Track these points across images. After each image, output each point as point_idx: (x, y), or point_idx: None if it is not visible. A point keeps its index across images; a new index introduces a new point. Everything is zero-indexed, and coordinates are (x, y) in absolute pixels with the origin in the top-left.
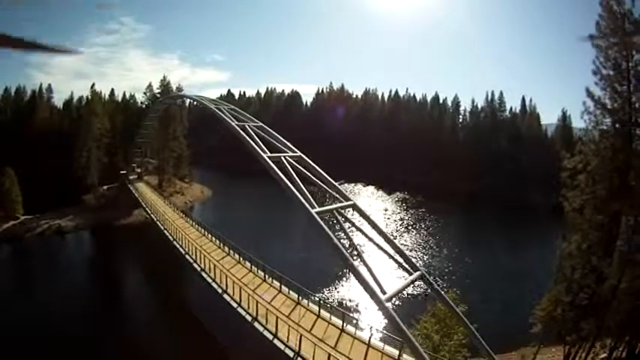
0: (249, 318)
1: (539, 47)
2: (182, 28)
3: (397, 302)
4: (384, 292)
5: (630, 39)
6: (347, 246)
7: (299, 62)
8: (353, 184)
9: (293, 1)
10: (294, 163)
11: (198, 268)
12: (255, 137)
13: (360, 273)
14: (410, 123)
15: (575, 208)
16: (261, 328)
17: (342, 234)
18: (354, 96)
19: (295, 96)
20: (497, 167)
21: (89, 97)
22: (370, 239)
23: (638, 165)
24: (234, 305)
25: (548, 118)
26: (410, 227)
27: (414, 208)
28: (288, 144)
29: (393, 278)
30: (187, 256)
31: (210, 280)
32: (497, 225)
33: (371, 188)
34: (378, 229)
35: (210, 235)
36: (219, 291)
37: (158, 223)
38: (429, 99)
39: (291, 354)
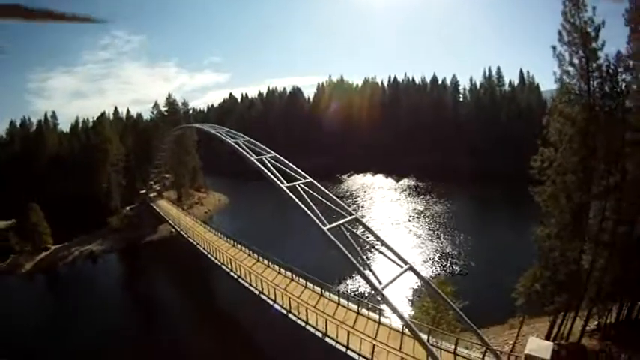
0: (284, 311)
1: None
2: (175, 34)
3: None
4: (380, 283)
5: (591, 44)
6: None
7: (297, 54)
8: (362, 174)
9: None
10: (306, 188)
11: (235, 276)
12: (273, 169)
13: (362, 270)
14: (411, 107)
15: (545, 199)
16: (294, 318)
17: (348, 241)
18: (354, 85)
19: (297, 92)
20: (500, 143)
21: (96, 122)
22: (369, 243)
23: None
24: (271, 302)
25: (551, 82)
26: (420, 215)
27: (423, 194)
28: (300, 171)
29: (388, 271)
30: (223, 267)
31: (247, 285)
32: (502, 202)
33: (380, 177)
34: (375, 235)
35: (239, 245)
36: (257, 292)
37: (190, 239)
38: (428, 81)
39: (320, 335)
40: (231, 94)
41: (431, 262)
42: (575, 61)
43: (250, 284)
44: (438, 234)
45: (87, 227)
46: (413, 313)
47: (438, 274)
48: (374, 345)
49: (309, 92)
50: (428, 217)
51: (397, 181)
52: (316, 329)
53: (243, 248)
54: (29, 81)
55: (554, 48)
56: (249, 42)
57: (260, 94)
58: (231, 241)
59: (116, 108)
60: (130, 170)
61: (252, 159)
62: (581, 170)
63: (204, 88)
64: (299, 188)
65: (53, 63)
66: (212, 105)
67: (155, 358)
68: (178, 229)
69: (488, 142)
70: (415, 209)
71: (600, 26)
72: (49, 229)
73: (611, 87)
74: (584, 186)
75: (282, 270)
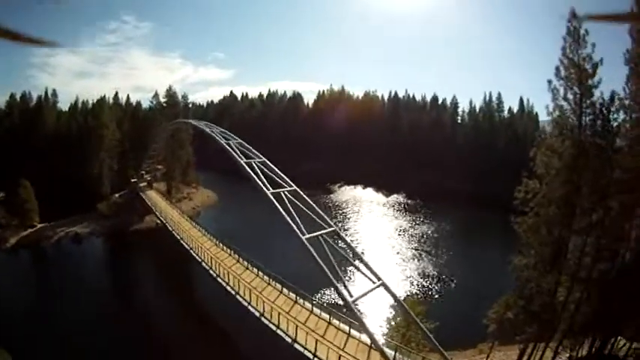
0: (257, 314)
1: (535, 39)
2: (183, 26)
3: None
4: (351, 296)
5: (587, 81)
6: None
7: (300, 59)
8: (352, 186)
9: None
10: (290, 196)
11: (214, 275)
12: (260, 174)
13: (335, 282)
14: (410, 124)
15: (526, 229)
16: (267, 322)
17: (325, 253)
18: (355, 97)
19: (297, 97)
20: (496, 169)
21: (96, 105)
22: (346, 256)
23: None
24: (245, 304)
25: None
26: (404, 233)
27: (411, 212)
28: (286, 178)
29: (363, 285)
30: (204, 264)
31: (224, 284)
32: (491, 228)
33: (370, 191)
34: (352, 249)
35: (221, 244)
36: (233, 293)
37: (174, 232)
38: (428, 99)
39: (289, 340)
40: (231, 92)
41: (409, 280)
42: (570, 96)
43: (228, 284)
44: (419, 253)
45: (75, 210)
46: (384, 329)
47: (414, 292)
48: (340, 356)
49: (309, 98)
50: (412, 235)
51: (387, 196)
52: (287, 334)
53: (225, 248)
54: (34, 55)
55: (549, 82)
56: (253, 43)
57: (260, 96)
58: (215, 240)
59: (117, 93)
60: (124, 157)
61: (242, 162)
62: (564, 204)
63: (206, 83)
64: (283, 195)
65: (59, 40)
66: (212, 101)
67: (132, 341)
68: (164, 222)
69: (487, 164)
70: (400, 226)
71: (598, 64)
72: (36, 206)
73: (602, 125)
74: (565, 220)
75: (261, 273)
